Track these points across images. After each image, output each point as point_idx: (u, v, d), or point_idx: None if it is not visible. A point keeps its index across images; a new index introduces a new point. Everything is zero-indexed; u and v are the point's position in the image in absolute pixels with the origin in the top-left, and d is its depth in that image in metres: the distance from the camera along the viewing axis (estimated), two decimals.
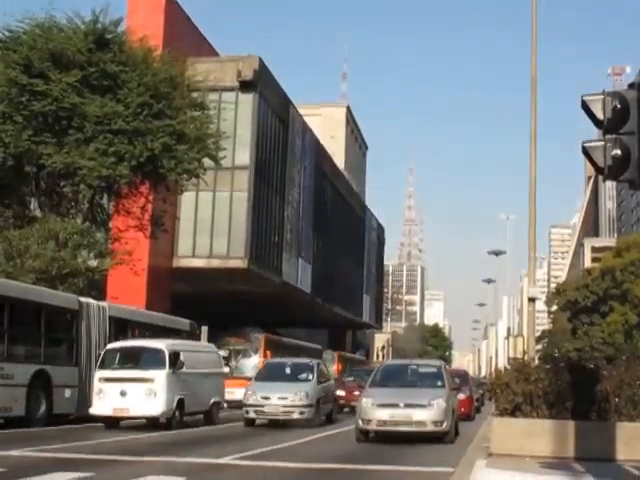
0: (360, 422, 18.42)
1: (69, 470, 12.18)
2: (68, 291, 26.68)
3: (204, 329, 38.36)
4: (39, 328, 22.64)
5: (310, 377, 24.39)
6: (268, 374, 25.12)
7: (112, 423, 21.20)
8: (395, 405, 18.32)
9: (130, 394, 20.82)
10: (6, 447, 15.09)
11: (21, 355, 21.83)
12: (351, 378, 37.69)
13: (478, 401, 37.88)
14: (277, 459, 14.24)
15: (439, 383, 19.75)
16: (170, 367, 21.35)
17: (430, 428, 18.17)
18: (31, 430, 20.06)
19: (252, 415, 23.17)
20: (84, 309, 24.60)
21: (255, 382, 24.47)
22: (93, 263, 30.55)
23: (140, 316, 29.27)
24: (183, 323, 31.95)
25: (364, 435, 18.54)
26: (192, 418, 23.20)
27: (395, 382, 19.96)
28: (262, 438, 19.19)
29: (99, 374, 21.45)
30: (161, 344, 22.33)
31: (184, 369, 21.89)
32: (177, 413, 21.72)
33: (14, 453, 14.38)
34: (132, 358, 22.09)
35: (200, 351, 25.15)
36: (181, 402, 21.82)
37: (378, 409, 18.24)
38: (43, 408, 21.74)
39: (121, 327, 26.21)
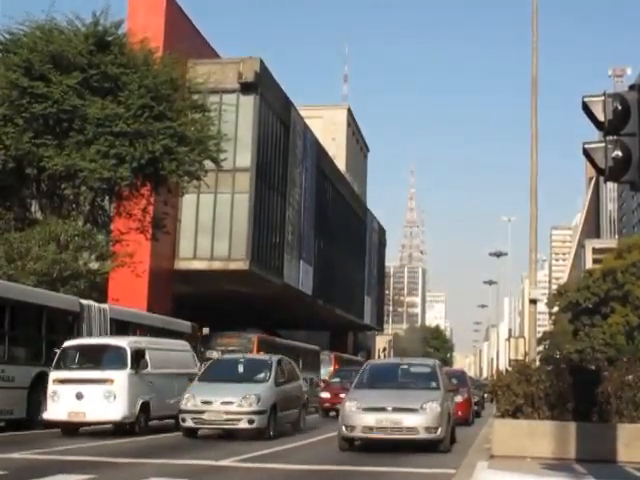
0: (343, 428, 16.47)
1: (71, 472, 12.21)
2: (69, 293, 26.68)
3: (205, 331, 38.40)
4: (40, 330, 22.62)
5: (267, 377, 20.30)
6: (215, 373, 20.82)
7: (69, 429, 19.45)
8: (382, 409, 16.34)
9: (87, 397, 19.11)
10: (7, 450, 15.09)
11: (22, 357, 21.82)
12: (337, 379, 34.62)
13: (478, 404, 35.25)
14: (276, 462, 14.27)
15: (433, 384, 17.76)
16: (132, 367, 19.64)
17: (422, 435, 16.17)
18: (32, 432, 20.05)
19: (190, 424, 19.10)
20: (85, 311, 24.61)
21: (197, 383, 20.39)
22: (94, 265, 30.56)
23: (141, 318, 29.28)
24: (184, 325, 31.98)
25: (348, 443, 16.64)
26: (161, 423, 21.61)
27: (383, 383, 18.02)
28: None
29: (53, 375, 19.63)
30: (122, 341, 20.62)
31: (149, 369, 20.30)
32: (141, 418, 19.92)
33: (15, 456, 14.39)
34: (91, 357, 20.45)
35: (170, 349, 22.92)
36: (146, 405, 20.09)
37: (363, 414, 16.30)
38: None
39: (122, 329, 26.15)
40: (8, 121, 29.94)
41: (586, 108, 10.20)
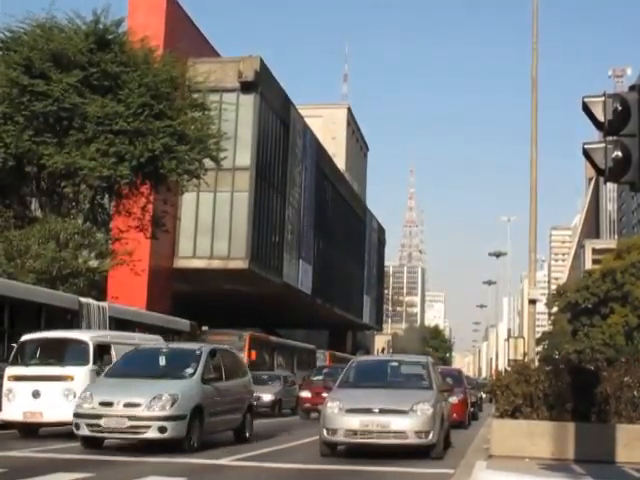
0: (324, 432, 14.84)
1: (70, 470, 12.20)
2: (69, 291, 26.72)
3: (205, 330, 38.40)
4: (39, 328, 22.52)
5: (193, 372, 16.09)
6: (127, 367, 16.53)
7: (27, 430, 17.88)
8: (368, 411, 14.70)
9: (44, 395, 17.41)
10: (6, 447, 15.08)
11: None
12: (320, 377, 32.24)
13: (475, 406, 32.84)
14: (276, 461, 14.25)
15: (424, 383, 16.20)
16: (95, 363, 17.88)
17: (412, 440, 14.62)
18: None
19: (85, 431, 15.01)
20: (84, 309, 24.61)
21: (102, 378, 16.51)
22: (94, 263, 30.58)
23: (140, 316, 29.28)
24: (183, 324, 31.99)
25: (330, 448, 15.06)
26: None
27: (370, 382, 16.32)
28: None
29: (9, 371, 17.89)
30: (85, 335, 19.02)
31: None
32: None
33: (15, 454, 14.38)
34: (51, 352, 18.64)
35: (140, 344, 20.38)
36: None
37: (347, 416, 14.69)
38: None
39: (121, 327, 26.09)
40: (8, 119, 29.98)
41: (586, 108, 10.19)
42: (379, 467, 13.61)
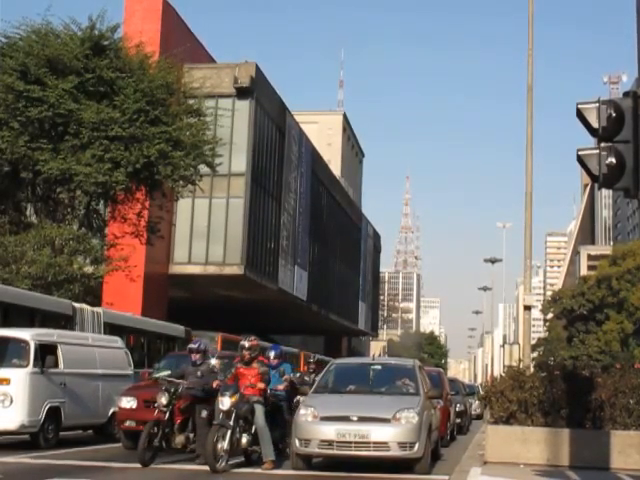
0: (297, 442, 13.40)
1: (67, 476, 12.20)
2: (64, 297, 26.63)
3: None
4: None
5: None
6: None
7: None
8: (345, 419, 13.20)
9: None
10: (2, 454, 15.04)
11: None
12: (167, 372, 23.59)
13: (463, 416, 28.36)
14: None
15: (411, 389, 14.60)
16: (36, 364, 16.36)
17: (394, 452, 13.06)
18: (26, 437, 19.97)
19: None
20: (78, 315, 24.56)
21: None
22: (89, 269, 30.51)
23: (135, 322, 29.23)
24: (178, 329, 31.95)
25: (304, 461, 13.65)
26: (84, 434, 19.16)
27: (349, 387, 14.90)
28: None
29: None
30: (25, 333, 16.95)
31: (62, 368, 17.15)
32: (48, 427, 16.76)
33: (10, 460, 14.35)
34: None
35: (95, 345, 19.28)
36: (55, 412, 16.86)
37: (321, 424, 13.22)
38: None
39: (116, 333, 26.07)
40: (4, 125, 29.89)
41: (580, 115, 10.20)
42: (368, 473, 13.36)
